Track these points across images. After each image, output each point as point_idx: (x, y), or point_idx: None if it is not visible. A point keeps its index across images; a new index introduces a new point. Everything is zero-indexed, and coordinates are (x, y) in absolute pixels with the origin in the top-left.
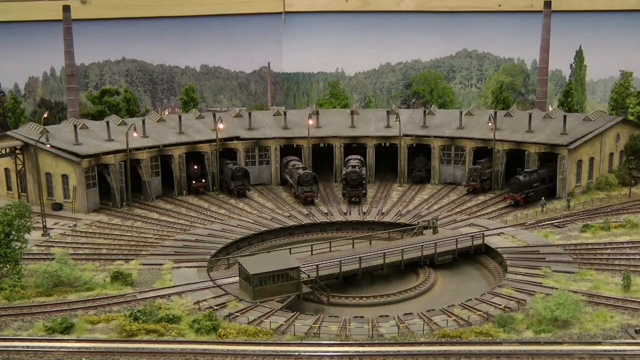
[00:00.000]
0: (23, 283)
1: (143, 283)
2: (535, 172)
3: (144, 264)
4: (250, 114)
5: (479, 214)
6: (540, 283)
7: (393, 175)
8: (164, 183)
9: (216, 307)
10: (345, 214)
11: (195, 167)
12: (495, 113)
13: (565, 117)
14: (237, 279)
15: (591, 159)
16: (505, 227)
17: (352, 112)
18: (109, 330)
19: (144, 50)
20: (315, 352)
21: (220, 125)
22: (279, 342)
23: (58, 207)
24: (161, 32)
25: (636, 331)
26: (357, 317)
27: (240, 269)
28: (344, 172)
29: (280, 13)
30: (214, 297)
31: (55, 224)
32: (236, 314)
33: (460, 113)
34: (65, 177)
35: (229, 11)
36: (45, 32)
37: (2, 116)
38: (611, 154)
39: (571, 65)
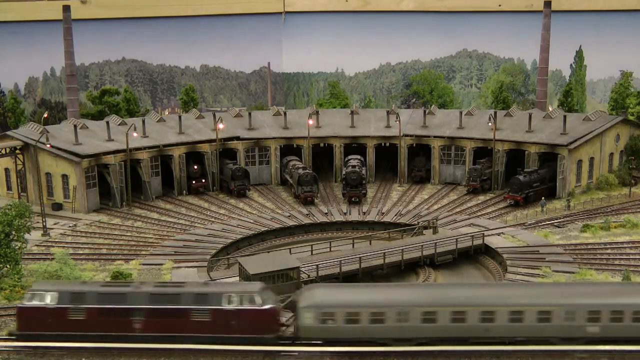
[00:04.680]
0: (23, 283)
1: None
2: (535, 172)
3: (144, 264)
4: (250, 114)
5: (479, 214)
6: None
7: (393, 175)
8: (164, 183)
9: None
10: (345, 214)
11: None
12: (495, 113)
13: (565, 117)
14: (237, 279)
15: (591, 159)
16: (505, 227)
17: (352, 112)
18: None
19: (144, 50)
20: (315, 352)
21: (220, 125)
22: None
23: (58, 207)
24: (161, 32)
25: None
26: None
27: (240, 269)
28: (344, 172)
29: (280, 13)
30: None
31: (55, 224)
32: None
33: (460, 113)
34: (65, 177)
35: (229, 11)
36: (45, 32)
37: (2, 116)
38: (611, 154)
39: (571, 65)
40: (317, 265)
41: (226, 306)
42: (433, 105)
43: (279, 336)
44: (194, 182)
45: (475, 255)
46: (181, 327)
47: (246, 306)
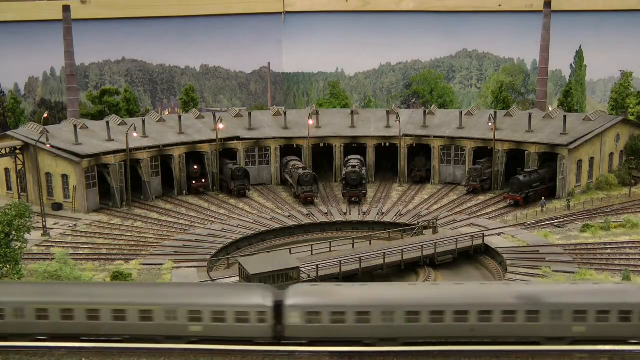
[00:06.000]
0: None
1: None
2: (535, 172)
3: (144, 264)
4: (250, 114)
5: (479, 214)
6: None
7: (393, 175)
8: (164, 183)
9: None
10: (345, 214)
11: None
12: (495, 113)
13: (565, 117)
14: (237, 279)
15: (591, 159)
16: (505, 227)
17: (352, 112)
18: None
19: (144, 50)
20: (315, 351)
21: (220, 125)
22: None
23: (58, 207)
24: (161, 32)
25: None
26: None
27: (240, 269)
28: (344, 172)
29: (280, 13)
30: None
31: (55, 224)
32: None
33: (460, 113)
34: (65, 177)
35: (229, 11)
36: (45, 32)
37: (2, 116)
38: (611, 154)
39: (571, 65)
40: (317, 265)
41: None
42: (433, 105)
43: None
44: (194, 182)
45: (475, 255)
46: None
47: None
